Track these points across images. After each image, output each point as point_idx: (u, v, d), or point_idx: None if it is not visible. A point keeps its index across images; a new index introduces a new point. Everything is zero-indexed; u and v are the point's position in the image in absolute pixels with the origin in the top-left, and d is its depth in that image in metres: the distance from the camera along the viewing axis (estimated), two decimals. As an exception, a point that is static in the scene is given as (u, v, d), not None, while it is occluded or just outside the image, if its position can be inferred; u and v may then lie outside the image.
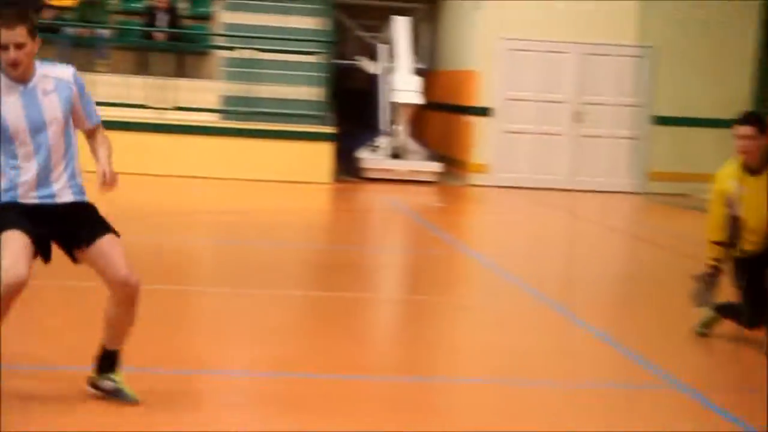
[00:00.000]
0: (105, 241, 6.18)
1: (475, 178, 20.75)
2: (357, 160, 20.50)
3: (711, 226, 9.11)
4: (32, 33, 5.94)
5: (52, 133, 6.00)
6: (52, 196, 6.13)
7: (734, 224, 8.89)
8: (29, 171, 6.00)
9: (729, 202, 8.82)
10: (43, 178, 6.04)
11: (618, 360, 8.73)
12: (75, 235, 6.22)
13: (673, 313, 10.40)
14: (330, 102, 20.19)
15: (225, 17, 21.72)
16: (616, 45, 20.72)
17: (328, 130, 19.52)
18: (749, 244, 8.86)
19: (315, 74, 20.05)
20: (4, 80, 5.94)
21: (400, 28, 21.13)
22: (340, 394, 7.05)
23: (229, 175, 18.23)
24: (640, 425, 6.83)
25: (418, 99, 20.48)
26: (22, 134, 5.99)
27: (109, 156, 6.28)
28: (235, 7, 21.87)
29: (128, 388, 6.35)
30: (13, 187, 6.06)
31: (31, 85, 5.96)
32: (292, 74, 20.30)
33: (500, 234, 16.26)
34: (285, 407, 6.64)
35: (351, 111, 21.96)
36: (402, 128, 20.62)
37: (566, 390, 7.66)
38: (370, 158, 20.49)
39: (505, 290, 11.48)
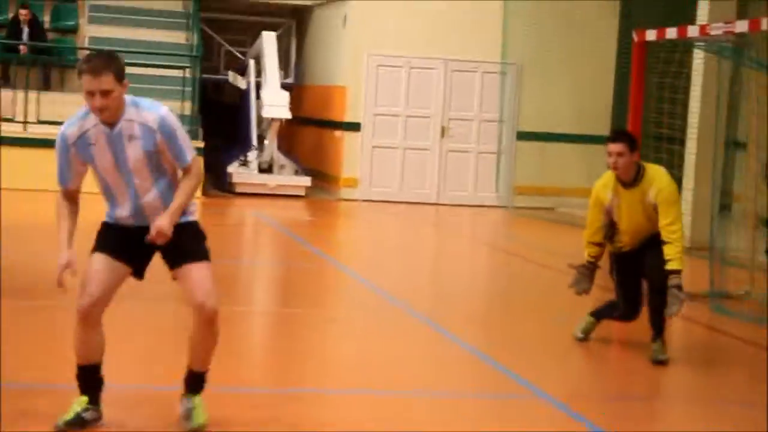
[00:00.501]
0: (186, 269, 6.44)
1: (345, 193, 20.87)
2: (227, 174, 20.51)
3: (588, 230, 9.58)
4: (119, 78, 6.11)
5: (137, 171, 6.23)
6: (146, 219, 6.34)
7: (611, 228, 9.33)
8: (123, 205, 6.34)
9: (606, 210, 9.25)
10: (136, 210, 6.34)
11: (484, 371, 8.85)
12: (165, 258, 6.52)
13: (539, 324, 10.68)
14: (198, 116, 20.19)
15: (90, 30, 21.60)
16: (481, 62, 21.04)
17: (196, 144, 19.51)
18: (624, 244, 9.35)
19: (182, 89, 20.02)
20: (95, 122, 6.19)
21: (268, 43, 21.19)
22: (214, 407, 6.93)
23: (98, 190, 18.00)
24: None
25: (286, 113, 20.55)
26: (111, 175, 6.27)
27: (179, 205, 6.38)
28: (100, 21, 21.76)
29: (198, 414, 6.53)
30: (112, 213, 6.46)
31: (117, 129, 6.13)
32: (159, 88, 20.21)
33: (370, 248, 16.43)
34: (160, 419, 6.69)
35: (221, 125, 21.97)
36: (271, 143, 20.70)
37: (433, 400, 7.76)
38: (240, 173, 20.49)
39: (374, 303, 11.59)
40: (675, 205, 9.19)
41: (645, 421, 7.70)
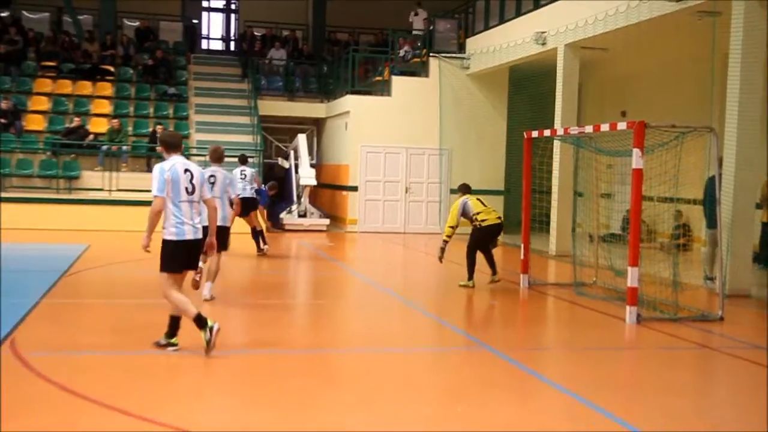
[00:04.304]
0: None
1: (350, 228, 20.84)
2: (280, 219, 20.47)
3: (450, 221, 11.31)
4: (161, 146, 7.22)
5: None
6: None
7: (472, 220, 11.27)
8: None
9: (463, 210, 11.23)
10: None
11: (444, 331, 8.71)
12: None
13: (469, 299, 10.61)
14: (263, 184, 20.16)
15: (197, 137, 21.60)
16: (428, 148, 21.04)
17: (261, 201, 19.50)
18: (484, 221, 11.21)
19: (253, 169, 19.89)
20: None
21: (301, 140, 21.24)
22: (276, 360, 6.96)
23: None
24: (463, 372, 6.84)
25: (314, 182, 20.59)
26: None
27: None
28: (202, 131, 21.77)
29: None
30: None
31: None
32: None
33: (367, 259, 16.40)
34: (240, 372, 6.62)
35: (276, 189, 21.89)
36: (305, 199, 20.68)
37: (411, 353, 7.59)
38: (288, 218, 20.48)
39: (370, 291, 11.46)
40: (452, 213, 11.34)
41: (550, 363, 7.57)
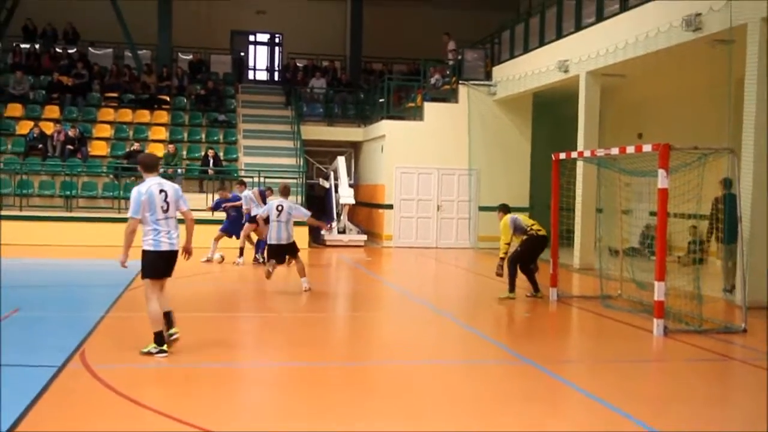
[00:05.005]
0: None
1: (386, 243, 20.66)
2: (321, 235, 20.36)
3: (504, 238, 10.81)
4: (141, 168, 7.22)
5: None
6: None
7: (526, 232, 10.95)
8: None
9: (515, 226, 10.88)
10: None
11: (481, 343, 8.42)
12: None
13: (502, 311, 10.35)
14: (305, 203, 20.09)
15: (245, 160, 21.61)
16: (457, 168, 20.82)
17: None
18: (540, 231, 10.97)
19: (296, 188, 19.90)
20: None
21: (340, 161, 21.17)
22: (311, 374, 6.71)
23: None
24: (502, 384, 6.59)
25: (352, 201, 20.47)
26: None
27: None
28: (250, 154, 21.79)
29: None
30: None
31: None
32: (283, 189, 20.14)
33: (403, 272, 16.17)
34: (286, 384, 6.45)
35: (317, 208, 21.83)
36: (344, 217, 20.56)
37: (450, 364, 7.37)
38: (328, 234, 20.36)
39: (409, 305, 11.20)
40: (503, 231, 10.81)
41: (585, 375, 7.31)
